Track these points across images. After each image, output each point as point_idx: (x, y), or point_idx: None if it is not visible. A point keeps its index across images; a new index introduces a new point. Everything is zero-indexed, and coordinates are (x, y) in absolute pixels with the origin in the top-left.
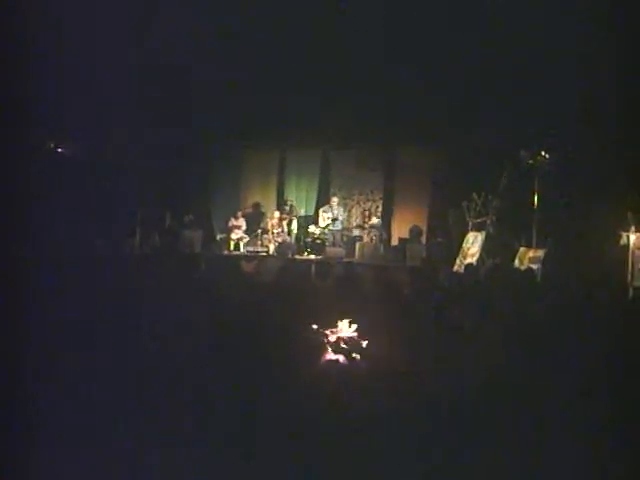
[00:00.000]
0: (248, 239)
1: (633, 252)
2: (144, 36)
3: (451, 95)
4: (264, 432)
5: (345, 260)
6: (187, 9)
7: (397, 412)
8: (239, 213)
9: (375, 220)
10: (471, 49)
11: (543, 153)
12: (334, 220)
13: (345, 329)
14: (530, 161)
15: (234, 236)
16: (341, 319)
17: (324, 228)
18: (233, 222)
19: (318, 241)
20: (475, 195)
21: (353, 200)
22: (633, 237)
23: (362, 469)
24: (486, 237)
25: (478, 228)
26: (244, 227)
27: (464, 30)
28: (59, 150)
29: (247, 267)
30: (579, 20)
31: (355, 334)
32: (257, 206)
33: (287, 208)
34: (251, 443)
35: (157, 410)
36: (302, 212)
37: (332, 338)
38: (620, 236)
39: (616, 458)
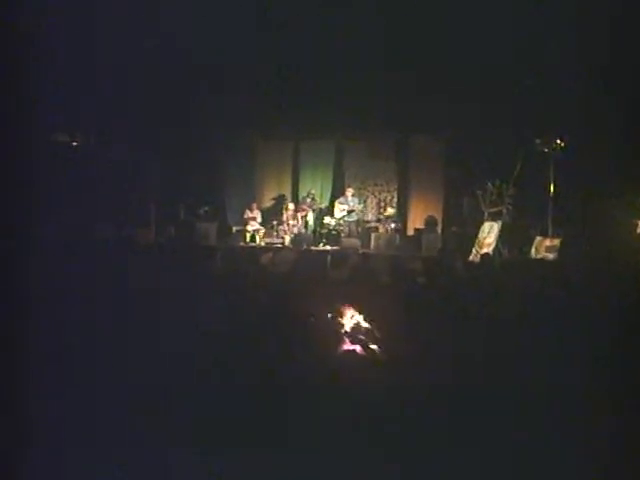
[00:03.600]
0: (264, 231)
1: None
2: (153, 25)
3: (465, 84)
4: (281, 422)
5: (361, 251)
6: None
7: (411, 402)
8: (254, 205)
9: (390, 210)
10: (485, 38)
11: (558, 141)
12: (350, 212)
13: (361, 319)
14: (545, 149)
15: (250, 228)
16: (357, 309)
17: (340, 219)
18: (248, 214)
19: (334, 232)
20: (490, 184)
21: (368, 191)
22: None
23: (377, 460)
24: (502, 226)
25: (494, 217)
26: (259, 219)
27: (476, 19)
28: (73, 144)
29: (263, 258)
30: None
31: (371, 325)
32: (273, 198)
33: (309, 200)
34: (268, 433)
35: (178, 400)
36: (318, 203)
37: (349, 328)
38: (637, 224)
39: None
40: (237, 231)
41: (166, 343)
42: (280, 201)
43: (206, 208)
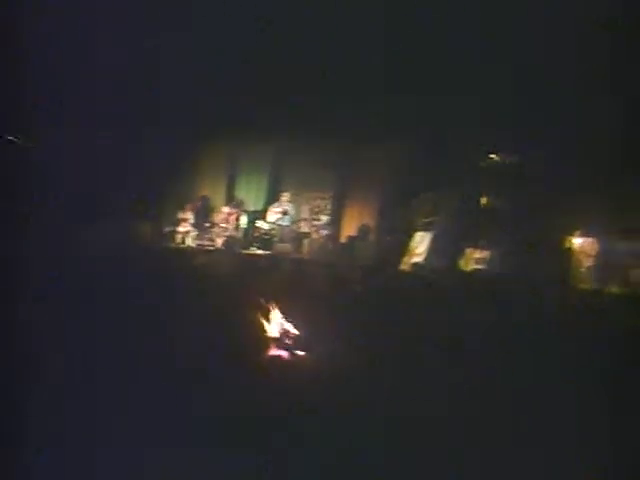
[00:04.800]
0: (196, 233)
1: (578, 255)
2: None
3: (401, 93)
4: (212, 424)
5: (293, 256)
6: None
7: (340, 407)
8: (187, 206)
9: (324, 217)
10: (424, 48)
11: (492, 155)
12: (284, 214)
13: (289, 325)
14: (479, 162)
15: (181, 229)
16: (286, 315)
17: (273, 223)
18: (181, 215)
19: (266, 236)
20: (423, 194)
21: (303, 197)
22: (579, 240)
23: (311, 463)
24: (433, 237)
25: (426, 228)
26: (192, 220)
27: (422, 29)
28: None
29: (193, 261)
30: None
31: (298, 330)
32: (206, 199)
33: (235, 202)
34: (196, 436)
35: (99, 404)
36: (251, 207)
37: (276, 334)
38: (565, 239)
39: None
40: (168, 232)
41: (87, 345)
42: (213, 203)
43: (135, 208)
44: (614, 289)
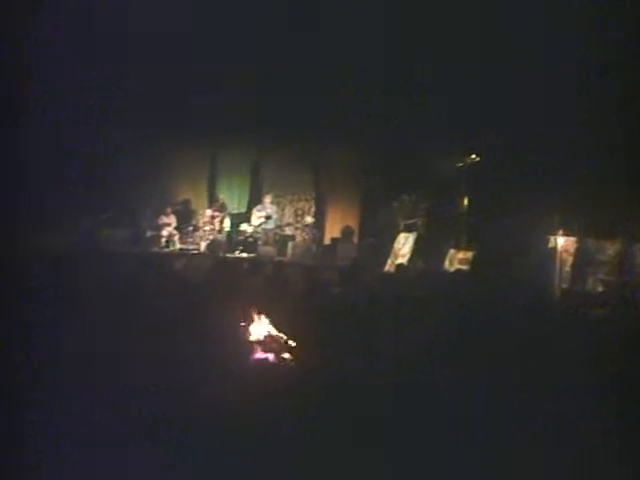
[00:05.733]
0: (178, 236)
1: (561, 254)
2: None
3: (383, 96)
4: (196, 429)
5: (277, 259)
6: None
7: (324, 411)
8: (169, 210)
9: (308, 219)
10: (404, 53)
11: (473, 156)
12: (267, 218)
13: (273, 328)
14: (460, 164)
15: (164, 233)
16: (270, 318)
17: (257, 227)
18: (163, 219)
19: (250, 239)
20: (406, 196)
21: (286, 199)
22: (561, 240)
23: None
24: (417, 238)
25: (409, 229)
26: (174, 224)
27: (391, 31)
28: None
29: (176, 265)
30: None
31: (284, 333)
32: (188, 203)
33: (218, 205)
34: (181, 442)
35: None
36: (234, 210)
37: (261, 337)
38: (548, 239)
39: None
40: (151, 236)
41: (76, 355)
42: (195, 206)
43: (110, 213)
44: (598, 288)
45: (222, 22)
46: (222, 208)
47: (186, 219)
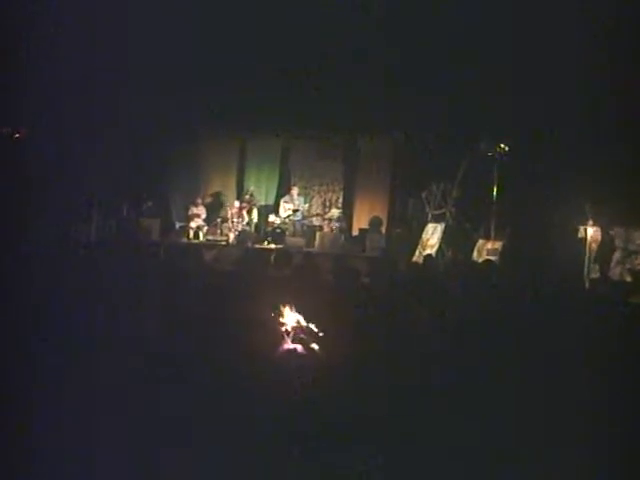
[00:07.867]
0: (207, 228)
1: (590, 245)
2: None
3: (412, 85)
4: (226, 420)
5: (305, 250)
6: None
7: (353, 402)
8: (199, 201)
9: (335, 210)
10: (433, 40)
11: (503, 145)
12: (295, 211)
13: (302, 319)
14: (490, 153)
15: (193, 224)
16: (299, 309)
17: (285, 218)
18: (193, 210)
19: (278, 230)
20: (434, 186)
21: (314, 190)
22: (591, 230)
23: (321, 462)
24: (445, 228)
25: (438, 219)
26: (204, 215)
27: (421, 20)
28: (15, 136)
29: (206, 256)
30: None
31: (313, 324)
32: (217, 195)
33: (247, 197)
34: (212, 434)
35: (111, 402)
36: (262, 202)
37: (290, 328)
38: (578, 229)
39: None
40: (180, 227)
41: (105, 344)
42: (224, 198)
43: (150, 203)
44: (627, 278)
45: (251, 12)
46: (251, 199)
47: (215, 211)
